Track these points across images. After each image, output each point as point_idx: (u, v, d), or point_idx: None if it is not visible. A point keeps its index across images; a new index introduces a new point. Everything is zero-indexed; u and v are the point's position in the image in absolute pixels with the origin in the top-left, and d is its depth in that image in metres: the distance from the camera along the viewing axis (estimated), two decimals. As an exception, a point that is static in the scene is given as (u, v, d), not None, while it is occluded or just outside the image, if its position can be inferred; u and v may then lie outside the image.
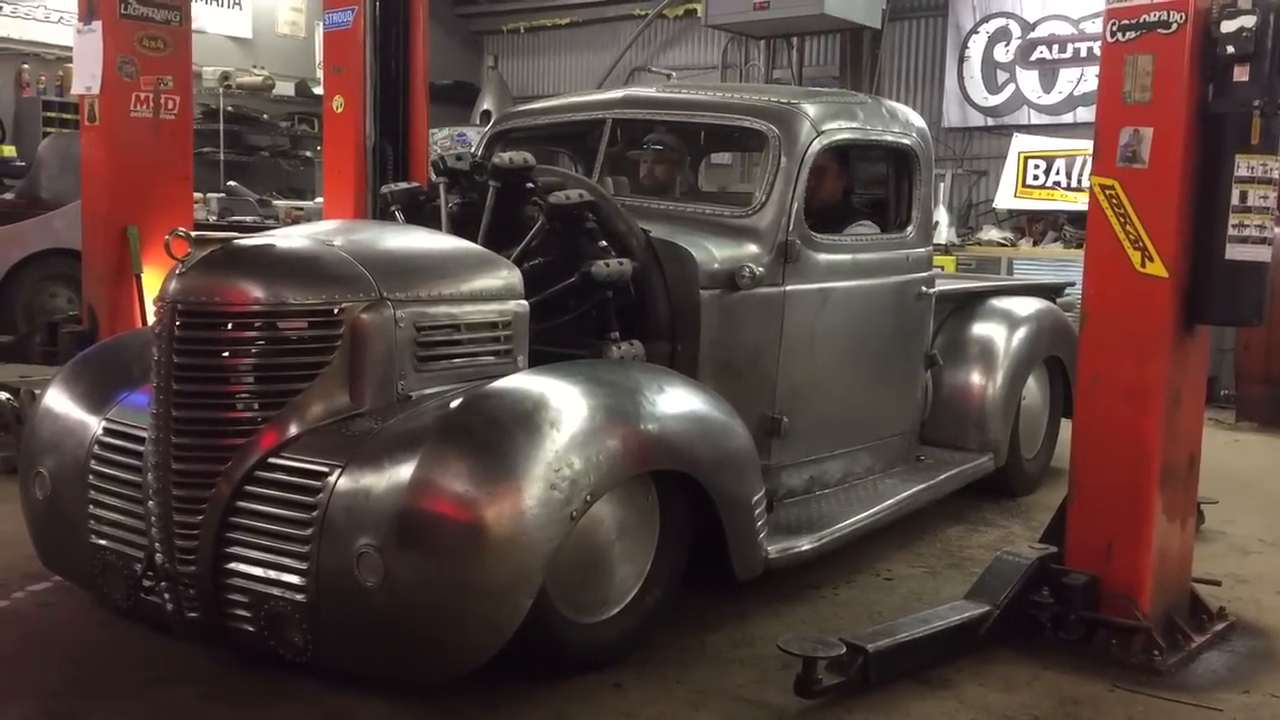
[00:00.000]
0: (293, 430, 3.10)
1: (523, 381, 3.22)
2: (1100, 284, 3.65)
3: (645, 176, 4.90)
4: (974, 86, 11.58)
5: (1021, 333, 5.52)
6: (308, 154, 13.59)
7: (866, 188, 5.45)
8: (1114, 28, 3.55)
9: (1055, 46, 11.02)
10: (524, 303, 3.61)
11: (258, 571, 3.02)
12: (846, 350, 4.54)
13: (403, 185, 4.55)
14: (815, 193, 4.81)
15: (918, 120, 5.04)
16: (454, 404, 3.09)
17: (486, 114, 13.57)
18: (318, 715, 3.06)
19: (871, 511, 4.39)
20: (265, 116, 13.64)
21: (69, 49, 8.00)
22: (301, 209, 10.67)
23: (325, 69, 6.87)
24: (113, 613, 3.53)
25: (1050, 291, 6.32)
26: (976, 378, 5.34)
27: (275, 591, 2.98)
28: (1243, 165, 3.42)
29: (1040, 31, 11.12)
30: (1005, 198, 10.94)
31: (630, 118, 4.79)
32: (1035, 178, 10.68)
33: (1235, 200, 3.43)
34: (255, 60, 13.83)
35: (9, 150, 11.18)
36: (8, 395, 5.69)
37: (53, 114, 11.92)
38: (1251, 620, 4.00)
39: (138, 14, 6.56)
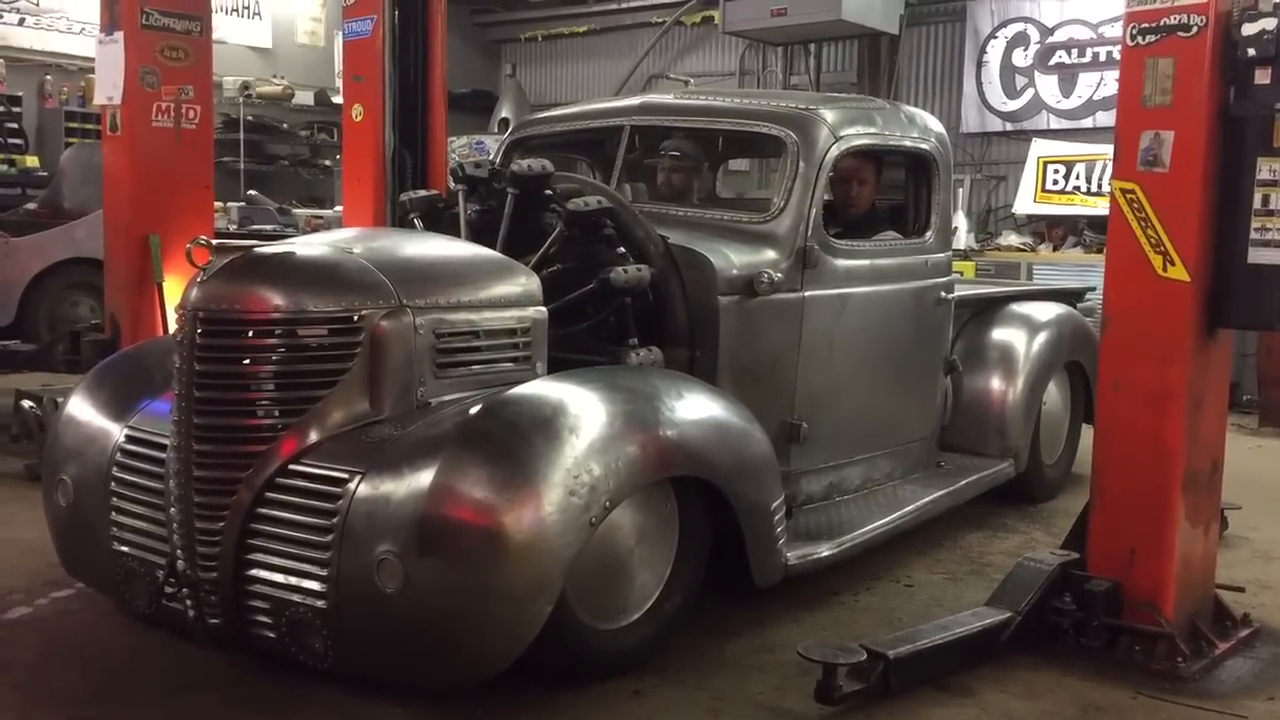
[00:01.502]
0: (313, 437, 3.11)
1: (542, 388, 3.23)
2: (1121, 288, 3.64)
3: (663, 183, 4.90)
4: (992, 91, 11.55)
5: (1042, 338, 5.50)
6: (327, 162, 13.67)
7: (886, 193, 5.44)
8: (1134, 31, 3.53)
9: (1074, 51, 10.97)
10: (543, 309, 3.62)
11: (278, 578, 3.03)
12: (865, 356, 4.53)
13: (422, 193, 4.58)
14: (850, 201, 4.83)
15: (936, 125, 5.02)
16: (473, 410, 3.10)
17: (505, 122, 13.62)
18: (338, 721, 3.07)
19: (891, 517, 4.37)
20: (285, 125, 13.72)
21: (91, 60, 8.04)
22: (321, 217, 10.72)
23: (344, 78, 6.90)
24: (135, 619, 3.56)
25: (1071, 296, 6.29)
26: (997, 383, 5.31)
27: (296, 598, 2.99)
28: (1265, 168, 3.40)
29: (1059, 36, 11.07)
30: (1025, 203, 10.91)
31: (648, 124, 4.79)
32: (1055, 182, 10.64)
33: (1257, 204, 3.41)
34: (275, 70, 13.91)
35: (32, 160, 11.26)
36: (31, 403, 5.74)
37: (75, 124, 12.02)
38: (1276, 626, 3.96)
39: (159, 24, 6.60)
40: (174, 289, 6.55)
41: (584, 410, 3.11)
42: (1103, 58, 10.60)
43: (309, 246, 3.51)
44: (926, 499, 4.63)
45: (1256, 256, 3.43)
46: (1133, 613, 3.59)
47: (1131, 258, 3.56)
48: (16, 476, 5.50)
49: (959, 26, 11.83)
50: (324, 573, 2.95)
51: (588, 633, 3.20)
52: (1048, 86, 11.17)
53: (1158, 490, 3.56)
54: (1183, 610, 3.60)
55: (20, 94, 12.05)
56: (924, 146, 4.82)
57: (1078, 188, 10.50)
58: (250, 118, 13.15)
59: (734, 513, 3.46)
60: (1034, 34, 11.24)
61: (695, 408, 3.43)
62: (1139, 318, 3.58)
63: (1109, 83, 10.38)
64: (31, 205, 9.32)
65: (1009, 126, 11.48)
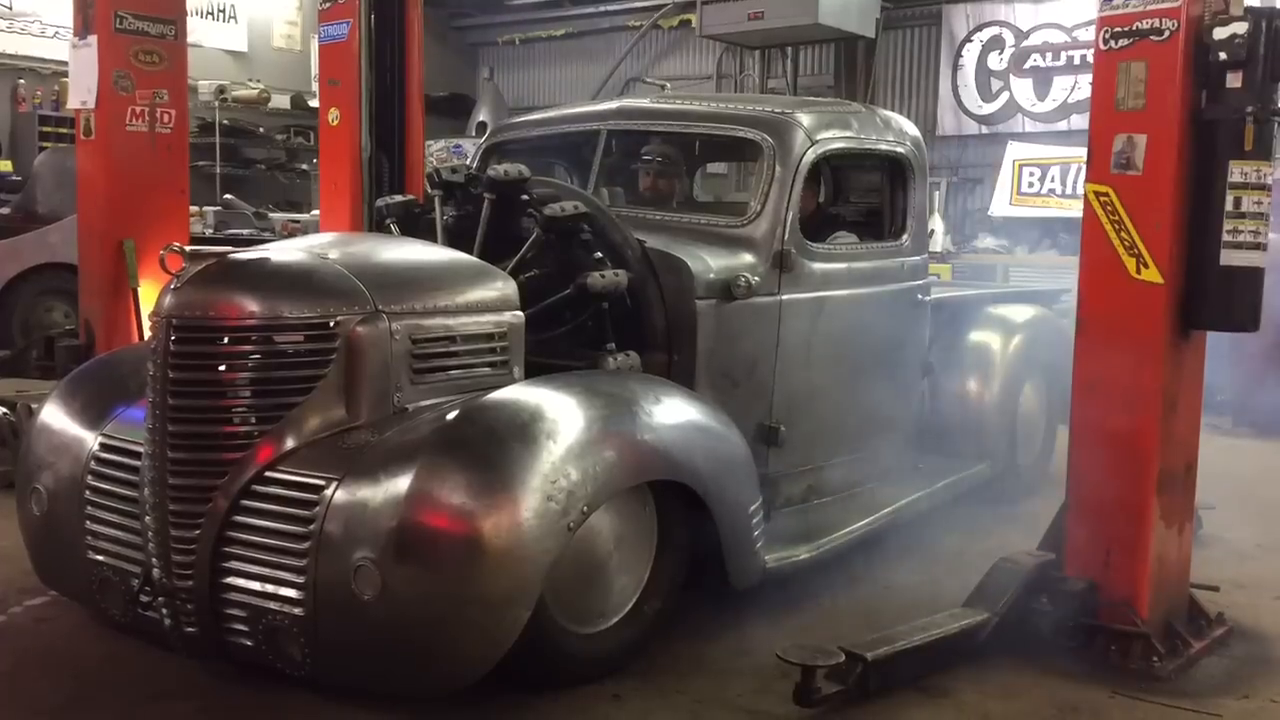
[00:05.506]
0: (289, 444, 3.10)
1: (519, 393, 3.22)
2: (1095, 291, 3.66)
3: (644, 187, 4.91)
4: (968, 95, 11.61)
5: (1017, 340, 5.53)
6: (304, 167, 13.61)
7: (861, 196, 5.46)
8: (1106, 35, 3.56)
9: (1049, 54, 11.05)
10: (520, 314, 3.61)
11: (255, 586, 3.01)
12: (843, 358, 4.54)
13: (398, 198, 4.56)
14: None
15: (912, 129, 5.05)
16: (450, 416, 3.09)
17: (482, 125, 13.60)
18: (316, 729, 3.06)
19: (869, 520, 4.39)
20: (261, 130, 13.65)
21: (65, 64, 8.02)
22: (298, 222, 10.68)
23: (321, 82, 6.88)
24: (110, 628, 3.53)
25: (1046, 298, 6.33)
26: (973, 385, 5.34)
27: (273, 606, 2.98)
28: (1236, 171, 3.42)
29: (1034, 40, 11.15)
30: (1000, 205, 10.97)
31: (625, 128, 4.79)
32: (1030, 185, 10.71)
33: (1229, 206, 3.44)
34: (251, 73, 13.85)
35: (5, 165, 11.19)
36: (4, 410, 5.68)
37: (49, 129, 11.92)
38: (1250, 625, 3.99)
39: (133, 28, 6.57)
40: (149, 294, 6.52)
41: (561, 415, 3.11)
42: (1077, 61, 10.70)
43: (284, 252, 3.50)
44: (904, 501, 4.65)
45: (1229, 259, 3.46)
46: (1109, 613, 3.61)
47: (1105, 260, 3.59)
48: (-10, 484, 5.45)
49: (934, 30, 11.89)
50: (301, 580, 2.94)
51: (566, 637, 3.20)
52: (1023, 90, 11.25)
53: (1133, 491, 3.58)
54: (1158, 610, 3.63)
55: (-7, 98, 11.98)
56: (900, 150, 4.84)
57: (1053, 190, 10.58)
58: (226, 122, 13.08)
59: (712, 516, 3.47)
60: (1009, 37, 11.31)
61: (673, 412, 3.43)
62: (1113, 320, 3.60)
63: (1083, 86, 10.45)
64: (5, 210, 9.26)
65: (984, 129, 11.55)
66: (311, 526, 2.95)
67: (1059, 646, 3.62)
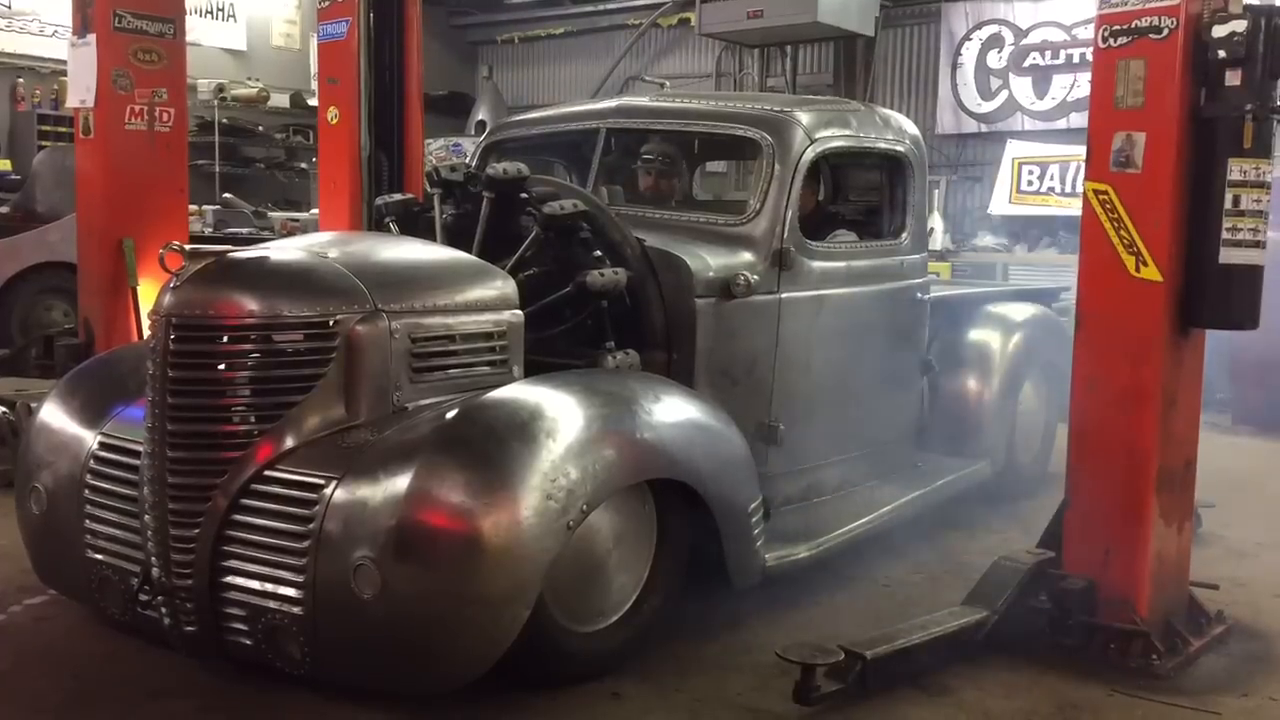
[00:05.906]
0: (289, 442, 3.10)
1: (518, 392, 3.22)
2: (1095, 289, 3.66)
3: (641, 186, 4.91)
4: (967, 93, 11.60)
5: (1017, 338, 5.53)
6: (303, 166, 13.59)
7: (861, 195, 5.46)
8: (1105, 33, 3.56)
9: (1048, 53, 11.03)
10: (519, 313, 3.61)
11: (254, 585, 3.02)
12: (842, 357, 4.54)
13: (397, 196, 4.56)
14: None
15: (911, 127, 5.05)
16: (450, 415, 3.09)
17: (481, 124, 13.59)
18: (316, 728, 3.06)
19: (869, 518, 4.39)
20: (260, 128, 13.64)
21: (64, 62, 8.01)
22: (297, 221, 10.66)
23: (320, 80, 6.87)
24: (109, 627, 3.53)
25: (1045, 297, 6.33)
26: (973, 383, 5.35)
27: (272, 604, 2.98)
28: (1235, 169, 3.42)
29: (1033, 38, 11.14)
30: (1000, 204, 10.96)
31: (624, 127, 4.80)
32: (1029, 184, 10.70)
33: (1229, 204, 3.44)
34: (250, 72, 13.83)
35: (4, 164, 11.16)
36: (4, 409, 5.68)
37: (48, 127, 11.90)
38: (1249, 623, 4.00)
39: (132, 27, 6.56)
40: (148, 293, 6.51)
41: (561, 414, 3.11)
42: (1076, 59, 10.68)
43: (284, 251, 3.50)
44: (904, 499, 4.65)
45: (1228, 257, 3.46)
46: (1108, 611, 3.61)
47: (1105, 258, 3.59)
48: (-11, 483, 5.45)
49: (934, 28, 11.87)
50: (300, 579, 2.94)
51: (566, 636, 3.20)
52: (1022, 88, 11.23)
53: (1132, 489, 3.58)
54: (1157, 608, 3.63)
55: (-8, 97, 11.97)
56: (899, 148, 4.84)
57: (1052, 189, 10.57)
58: (225, 120, 13.06)
59: (712, 514, 3.47)
60: (1008, 36, 11.30)
61: (672, 410, 3.43)
62: (1112, 318, 3.60)
63: (1083, 84, 10.43)
64: (4, 209, 9.25)
65: (984, 128, 11.53)
66: (311, 525, 2.95)
67: (1058, 645, 3.62)
